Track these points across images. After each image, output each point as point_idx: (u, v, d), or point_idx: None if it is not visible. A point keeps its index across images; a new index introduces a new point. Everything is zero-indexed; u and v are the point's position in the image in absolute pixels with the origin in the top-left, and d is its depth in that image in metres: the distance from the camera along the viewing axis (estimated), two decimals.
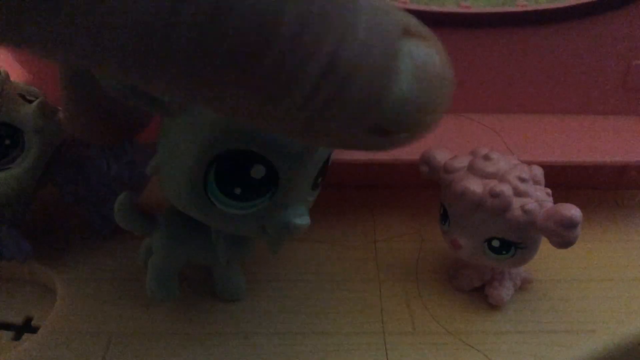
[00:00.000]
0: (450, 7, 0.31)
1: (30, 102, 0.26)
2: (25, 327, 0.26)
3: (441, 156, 0.26)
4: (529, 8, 0.31)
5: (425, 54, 0.13)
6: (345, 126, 0.13)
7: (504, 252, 0.24)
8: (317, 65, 0.11)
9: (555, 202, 0.23)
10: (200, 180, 0.19)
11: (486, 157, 0.24)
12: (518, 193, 0.23)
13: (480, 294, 0.27)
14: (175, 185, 0.20)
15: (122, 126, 0.22)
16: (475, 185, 0.23)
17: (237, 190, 0.19)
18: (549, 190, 0.24)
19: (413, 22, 0.13)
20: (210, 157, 0.19)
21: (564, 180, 0.35)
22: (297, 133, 0.13)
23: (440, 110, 0.14)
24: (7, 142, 0.24)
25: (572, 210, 0.22)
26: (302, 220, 0.20)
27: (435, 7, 0.30)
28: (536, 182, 0.24)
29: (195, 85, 0.11)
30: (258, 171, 0.19)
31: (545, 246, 0.24)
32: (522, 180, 0.23)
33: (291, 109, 0.12)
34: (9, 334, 0.25)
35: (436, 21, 0.31)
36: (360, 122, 0.13)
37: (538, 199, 0.23)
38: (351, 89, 0.12)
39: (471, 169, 0.24)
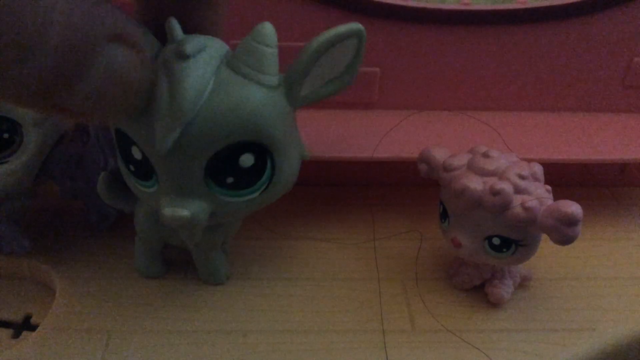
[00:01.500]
0: (451, 4, 0.31)
1: None
2: (25, 325, 0.26)
3: (440, 154, 0.26)
4: (529, 5, 0.31)
5: (123, 59, 0.16)
6: (30, 102, 0.15)
7: (504, 250, 0.24)
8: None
9: (555, 199, 0.23)
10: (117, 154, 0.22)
11: (485, 155, 0.24)
12: (518, 190, 0.23)
13: (480, 292, 0.27)
14: None
15: None
16: (475, 183, 0.23)
17: (131, 167, 0.21)
18: (549, 188, 0.24)
19: (127, 30, 0.16)
20: (114, 130, 0.21)
21: (563, 178, 0.35)
22: None
23: (121, 110, 0.17)
24: (6, 135, 0.24)
25: (573, 207, 0.22)
26: (170, 210, 0.20)
27: (435, 4, 0.30)
28: (536, 180, 0.24)
29: None
30: (136, 153, 0.20)
31: (545, 244, 0.24)
32: (522, 177, 0.23)
33: None
34: (8, 331, 0.25)
35: (436, 18, 0.31)
36: (45, 102, 0.15)
37: (538, 196, 0.23)
38: (32, 75, 0.14)
39: (471, 166, 0.24)
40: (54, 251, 0.29)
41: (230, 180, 0.21)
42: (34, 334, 0.24)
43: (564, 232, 0.22)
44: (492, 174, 0.24)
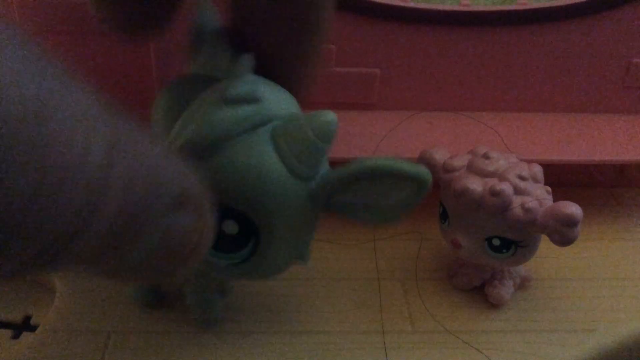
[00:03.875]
0: (451, 5, 0.31)
1: None
2: (24, 326, 0.26)
3: (440, 155, 0.26)
4: (529, 6, 0.31)
5: (183, 226, 0.13)
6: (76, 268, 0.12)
7: (504, 251, 0.24)
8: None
9: (555, 200, 0.23)
10: None
11: (485, 156, 0.24)
12: (518, 191, 0.23)
13: (480, 292, 0.27)
14: None
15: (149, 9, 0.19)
16: (475, 184, 0.23)
17: None
18: (549, 189, 0.24)
19: (193, 193, 0.13)
20: None
21: (563, 179, 0.35)
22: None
23: (173, 273, 0.15)
24: None
25: (573, 208, 0.22)
26: None
27: (435, 5, 0.30)
28: (536, 181, 0.24)
29: None
30: None
31: (545, 245, 0.24)
32: (522, 178, 0.23)
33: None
34: (8, 332, 0.25)
35: (436, 19, 0.31)
36: (91, 269, 0.13)
37: (538, 197, 0.23)
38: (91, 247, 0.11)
39: (471, 167, 0.24)
40: None
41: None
42: (33, 334, 0.24)
43: (563, 232, 0.22)
44: (492, 174, 0.24)
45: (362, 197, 0.18)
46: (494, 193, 0.23)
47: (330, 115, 0.17)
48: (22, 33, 0.09)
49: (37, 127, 0.09)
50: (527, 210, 0.23)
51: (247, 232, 0.18)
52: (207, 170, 0.17)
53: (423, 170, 0.17)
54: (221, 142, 0.17)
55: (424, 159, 0.26)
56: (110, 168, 0.10)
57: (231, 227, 0.18)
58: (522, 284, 0.27)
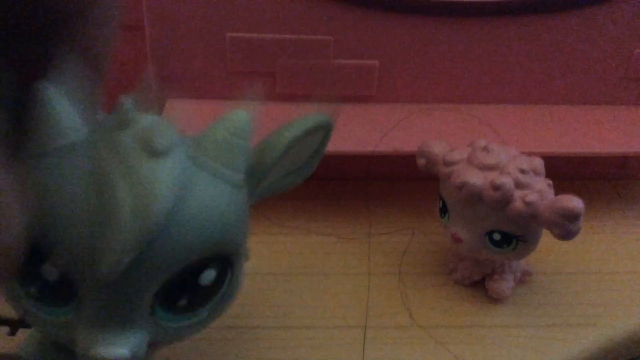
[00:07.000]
0: None
1: None
2: (21, 322, 0.26)
3: (439, 148, 0.25)
4: None
5: None
6: None
7: (505, 245, 0.24)
8: None
9: (555, 194, 0.23)
10: None
11: (485, 149, 0.24)
12: (519, 185, 0.23)
13: (480, 287, 0.27)
14: None
15: None
16: (475, 178, 0.23)
17: (33, 290, 0.16)
18: (550, 182, 0.24)
19: None
20: None
21: (564, 171, 0.35)
22: None
23: None
24: None
25: (574, 202, 0.22)
26: (104, 351, 0.15)
27: None
28: (537, 174, 0.24)
29: None
30: (49, 272, 0.15)
31: (545, 239, 0.24)
32: (523, 171, 0.23)
33: None
34: (5, 329, 0.25)
35: (435, 10, 0.30)
36: None
37: (539, 190, 0.23)
38: None
39: (470, 161, 0.24)
40: None
41: (183, 302, 0.16)
42: (30, 331, 0.24)
43: (565, 226, 0.22)
44: (492, 168, 0.23)
45: (282, 170, 0.18)
46: (495, 187, 0.23)
47: (240, 113, 0.16)
48: None
49: None
50: (528, 204, 0.22)
51: (224, 270, 0.16)
52: (173, 235, 0.15)
53: (323, 117, 0.17)
54: (175, 200, 0.15)
55: (423, 152, 0.26)
56: None
57: (210, 276, 0.16)
58: (523, 279, 0.27)
